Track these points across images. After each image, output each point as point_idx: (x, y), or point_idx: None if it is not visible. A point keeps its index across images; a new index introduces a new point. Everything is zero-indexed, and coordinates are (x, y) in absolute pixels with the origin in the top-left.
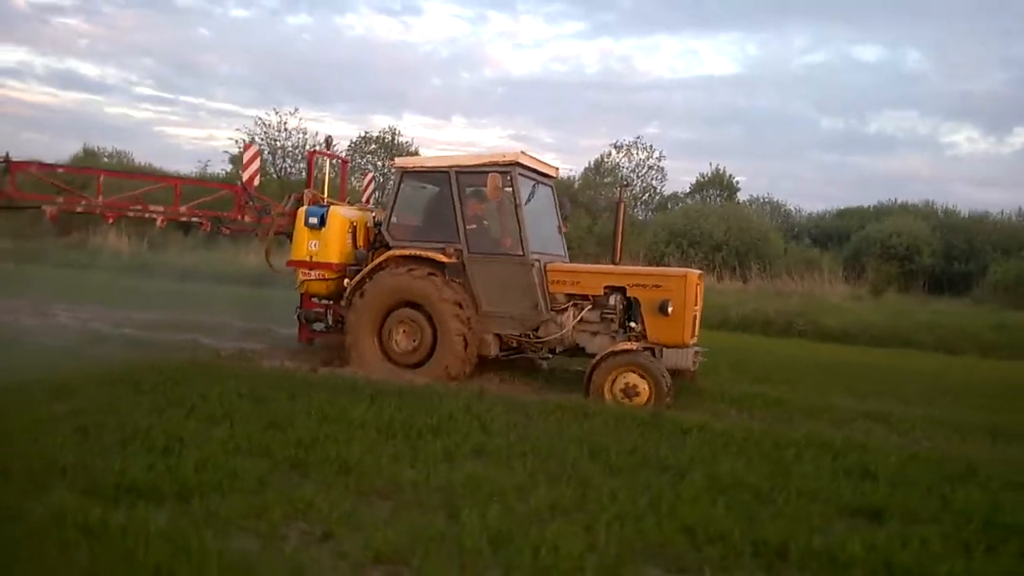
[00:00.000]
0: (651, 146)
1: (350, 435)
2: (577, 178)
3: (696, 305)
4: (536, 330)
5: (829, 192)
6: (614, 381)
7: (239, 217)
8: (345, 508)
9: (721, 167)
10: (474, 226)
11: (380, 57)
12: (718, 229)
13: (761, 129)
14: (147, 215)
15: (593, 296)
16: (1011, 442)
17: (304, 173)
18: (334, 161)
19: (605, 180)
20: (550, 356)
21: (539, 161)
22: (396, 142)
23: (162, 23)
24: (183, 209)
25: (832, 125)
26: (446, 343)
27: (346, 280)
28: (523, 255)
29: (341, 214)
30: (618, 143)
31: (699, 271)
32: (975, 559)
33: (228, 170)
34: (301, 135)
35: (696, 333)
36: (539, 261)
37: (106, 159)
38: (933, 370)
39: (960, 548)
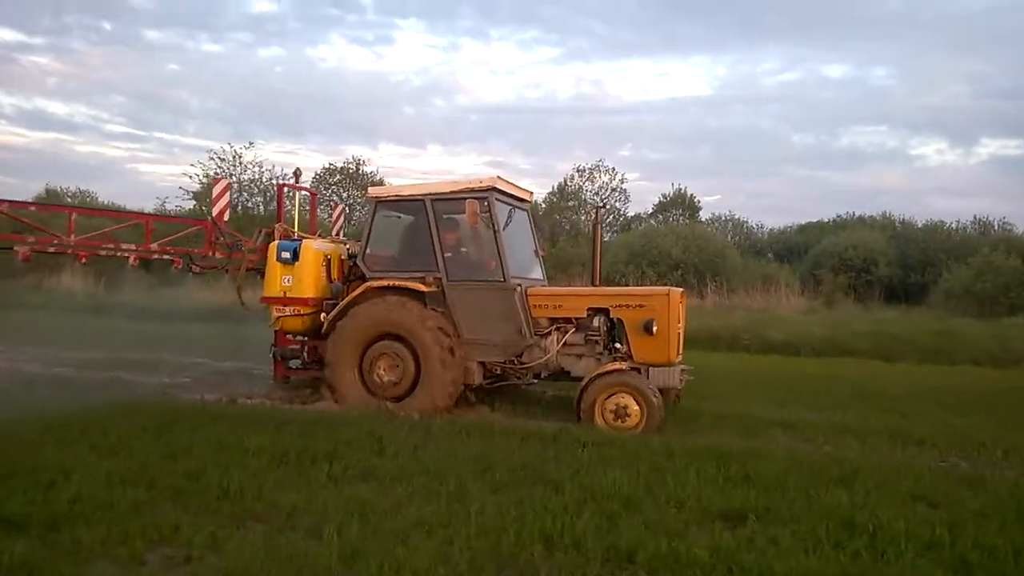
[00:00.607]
0: (613, 169)
1: (242, 462)
2: (541, 203)
3: (679, 323)
4: (520, 356)
5: (803, 207)
6: (604, 403)
7: (210, 253)
8: (210, 532)
9: (683, 187)
10: (452, 253)
11: (353, 88)
12: (676, 248)
13: (733, 148)
14: (119, 254)
15: (576, 319)
16: (907, 445)
17: (264, 207)
18: (303, 194)
19: (568, 203)
20: (535, 382)
21: (514, 185)
22: (360, 172)
23: (132, 59)
24: (154, 246)
25: (803, 141)
26: (430, 374)
27: (323, 315)
28: (504, 281)
29: (314, 247)
30: (580, 167)
31: (681, 289)
32: (818, 556)
33: (191, 206)
34: (258, 168)
35: (680, 351)
36: (520, 286)
37: (69, 199)
38: (861, 378)
39: (807, 546)
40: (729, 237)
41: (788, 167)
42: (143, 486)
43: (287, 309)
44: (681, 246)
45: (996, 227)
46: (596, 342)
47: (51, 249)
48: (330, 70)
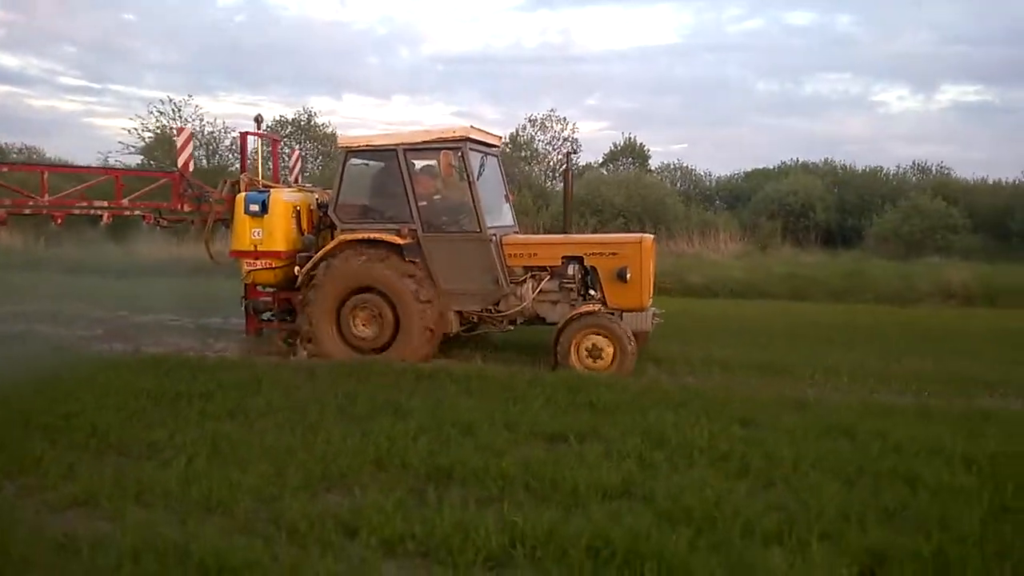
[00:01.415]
0: (564, 119)
1: (120, 404)
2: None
3: (651, 269)
4: (497, 304)
5: (769, 155)
6: (579, 344)
7: (178, 207)
8: (68, 464)
9: (632, 136)
10: (425, 204)
11: (316, 38)
12: (619, 196)
13: (699, 96)
14: (92, 211)
15: (551, 267)
16: (768, 375)
17: (207, 160)
18: (264, 141)
19: (521, 155)
20: (511, 328)
21: (485, 132)
22: (312, 123)
23: (86, 7)
24: (126, 202)
25: (768, 88)
26: (409, 325)
27: (296, 268)
28: (480, 231)
29: (283, 198)
30: (532, 117)
31: (652, 235)
32: (613, 466)
33: (139, 161)
34: (199, 121)
35: (651, 296)
36: (496, 236)
37: (15, 155)
38: (757, 316)
39: (611, 460)
40: (678, 185)
41: (753, 115)
42: (18, 426)
43: (258, 263)
44: (624, 194)
45: (934, 171)
46: (571, 289)
47: (27, 211)
48: (292, 19)
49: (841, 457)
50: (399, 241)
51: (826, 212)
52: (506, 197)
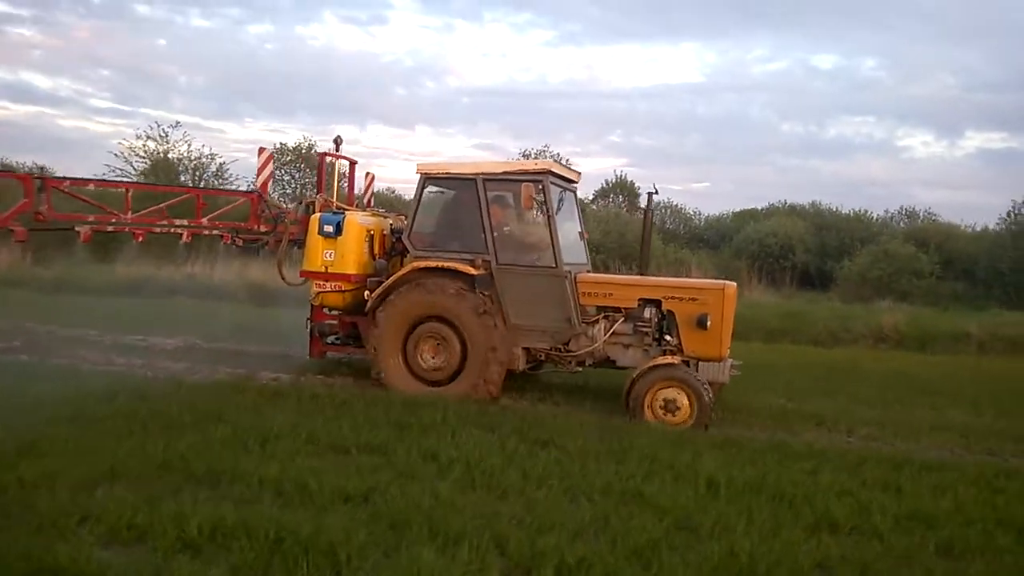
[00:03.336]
0: (558, 154)
1: None
2: None
3: (732, 317)
4: (567, 343)
5: (791, 196)
6: (654, 396)
7: (255, 227)
8: None
9: (623, 174)
10: (500, 235)
11: (343, 67)
12: (596, 232)
13: (722, 135)
14: (172, 230)
15: (626, 308)
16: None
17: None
18: (341, 163)
19: None
20: (579, 369)
21: (566, 168)
22: (313, 151)
23: (120, 33)
24: (205, 221)
25: (792, 130)
26: (477, 359)
27: (366, 292)
28: (556, 267)
29: (358, 221)
30: (526, 151)
31: (735, 283)
32: (365, 477)
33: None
34: (187, 146)
35: (729, 345)
36: (571, 272)
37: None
38: None
39: (371, 469)
40: (667, 224)
41: (776, 156)
42: None
43: (328, 284)
44: (601, 230)
45: (921, 216)
46: (645, 333)
47: (110, 228)
48: (321, 48)
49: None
50: (472, 271)
51: (806, 254)
52: (580, 234)
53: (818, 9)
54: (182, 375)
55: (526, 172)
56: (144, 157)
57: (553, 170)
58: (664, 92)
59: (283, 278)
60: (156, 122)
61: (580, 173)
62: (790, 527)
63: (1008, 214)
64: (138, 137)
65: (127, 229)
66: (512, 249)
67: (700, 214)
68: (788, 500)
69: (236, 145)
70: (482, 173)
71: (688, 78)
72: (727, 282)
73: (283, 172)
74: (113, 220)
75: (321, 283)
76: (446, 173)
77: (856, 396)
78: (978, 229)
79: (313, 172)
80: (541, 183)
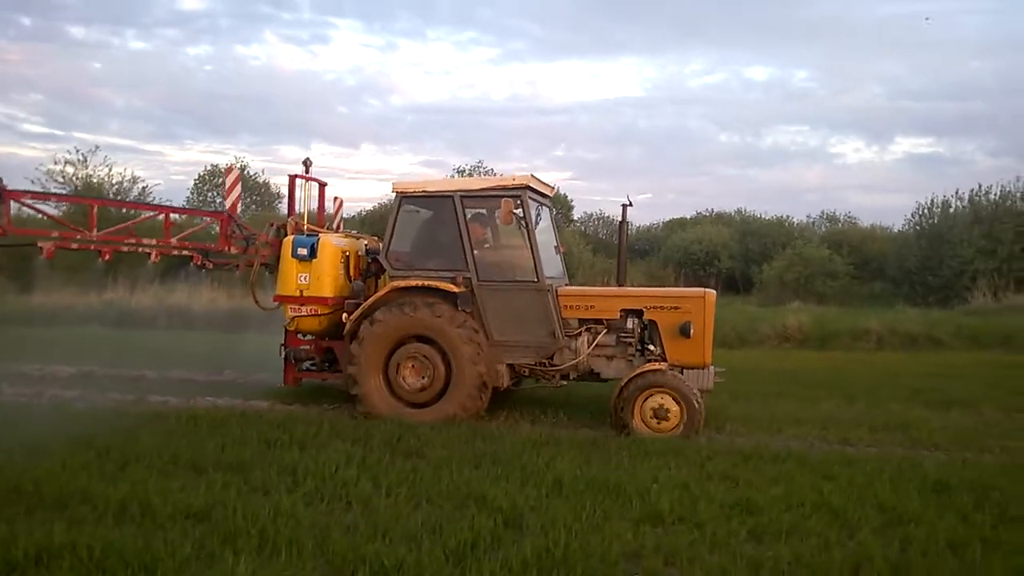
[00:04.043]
0: (492, 170)
1: None
2: None
3: (712, 324)
4: (551, 358)
5: (731, 204)
6: (643, 404)
7: (225, 248)
8: None
9: (556, 187)
10: (480, 252)
11: (285, 86)
12: None
13: (663, 147)
14: (140, 249)
15: (608, 320)
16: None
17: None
18: (309, 184)
19: None
20: (563, 383)
21: (541, 182)
22: (246, 175)
23: (53, 56)
24: (174, 241)
25: (730, 140)
26: (462, 378)
27: (344, 315)
28: (538, 281)
29: (333, 243)
30: (461, 168)
31: (713, 291)
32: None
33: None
34: (106, 171)
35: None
36: (553, 287)
37: None
38: None
39: (223, 486)
40: (599, 235)
41: (715, 165)
42: None
43: (303, 309)
44: None
45: (841, 221)
46: (629, 344)
47: (74, 245)
48: (262, 68)
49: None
50: (454, 289)
51: (731, 260)
52: (557, 248)
53: (751, 24)
54: (67, 402)
55: (505, 188)
56: (63, 183)
57: (531, 185)
58: (606, 106)
59: (256, 302)
60: (75, 147)
61: (554, 187)
62: (617, 520)
63: (912, 215)
64: (56, 163)
65: (93, 247)
66: (492, 265)
67: (631, 225)
68: (625, 495)
69: (176, 168)
70: (460, 190)
71: (629, 92)
72: (707, 290)
73: (215, 194)
74: (78, 236)
75: (296, 307)
76: (423, 191)
77: (736, 393)
78: (895, 230)
79: (249, 194)
80: (520, 198)
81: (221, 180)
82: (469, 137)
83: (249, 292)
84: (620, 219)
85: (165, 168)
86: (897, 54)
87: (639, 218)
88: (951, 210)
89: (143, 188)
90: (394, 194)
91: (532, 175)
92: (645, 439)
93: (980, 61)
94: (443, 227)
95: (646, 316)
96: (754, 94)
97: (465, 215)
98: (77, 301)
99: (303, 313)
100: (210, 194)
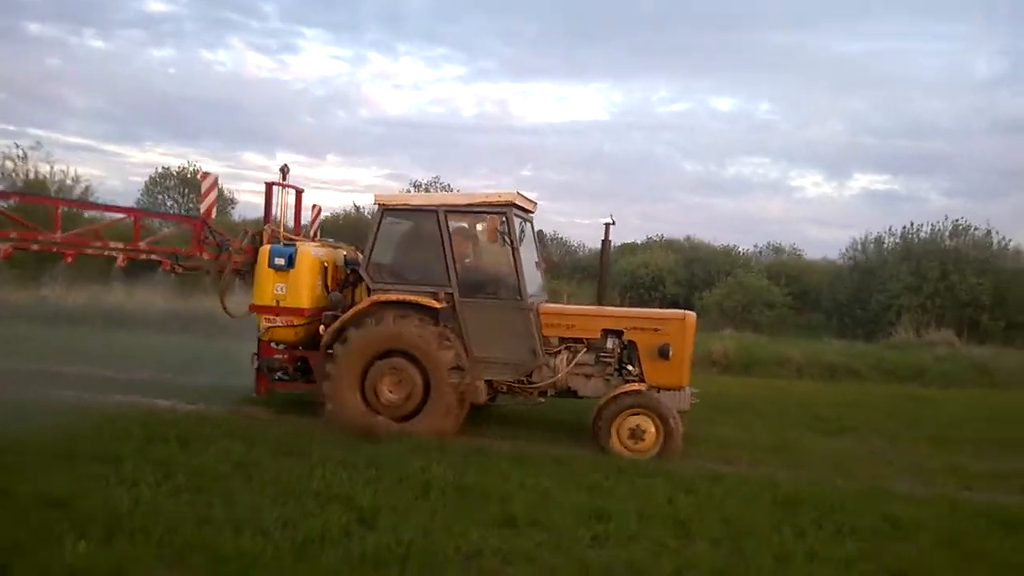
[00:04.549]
0: (449, 185)
1: None
2: (368, 213)
3: (691, 347)
4: (529, 375)
5: (692, 232)
6: (621, 424)
7: (198, 253)
8: None
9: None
10: (462, 268)
11: (251, 94)
12: None
13: (629, 172)
14: (106, 253)
15: (587, 339)
16: None
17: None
18: (287, 191)
19: None
20: (541, 401)
21: (525, 198)
22: (197, 179)
23: (9, 54)
24: (143, 245)
25: (693, 169)
26: (440, 394)
27: (322, 327)
28: (520, 299)
29: (311, 253)
30: (416, 182)
31: (693, 313)
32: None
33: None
34: (49, 168)
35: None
36: (535, 305)
37: None
38: None
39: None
40: (553, 256)
41: (679, 193)
42: None
43: (279, 319)
44: None
45: (787, 251)
46: (607, 363)
47: (34, 246)
48: (227, 74)
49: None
50: (436, 305)
51: (677, 285)
52: (538, 264)
53: (718, 54)
54: None
55: (490, 204)
56: (1, 178)
57: (516, 202)
58: (573, 129)
59: (225, 310)
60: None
61: (536, 203)
62: (470, 522)
63: (847, 248)
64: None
65: (55, 249)
66: (475, 282)
67: (584, 247)
68: (486, 499)
69: (136, 169)
70: (444, 205)
71: (596, 116)
72: (687, 312)
73: (166, 196)
74: (39, 238)
75: (271, 317)
76: (406, 205)
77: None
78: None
79: (198, 197)
80: (505, 215)
81: (200, 181)
82: (437, 153)
83: (218, 298)
84: (603, 238)
85: (124, 169)
86: (858, 91)
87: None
88: (884, 245)
89: (85, 188)
90: (376, 206)
91: (518, 192)
92: (530, 451)
93: (938, 102)
94: (426, 241)
95: (626, 336)
96: (718, 124)
97: (449, 230)
98: (8, 297)
99: (278, 323)
100: (160, 196)
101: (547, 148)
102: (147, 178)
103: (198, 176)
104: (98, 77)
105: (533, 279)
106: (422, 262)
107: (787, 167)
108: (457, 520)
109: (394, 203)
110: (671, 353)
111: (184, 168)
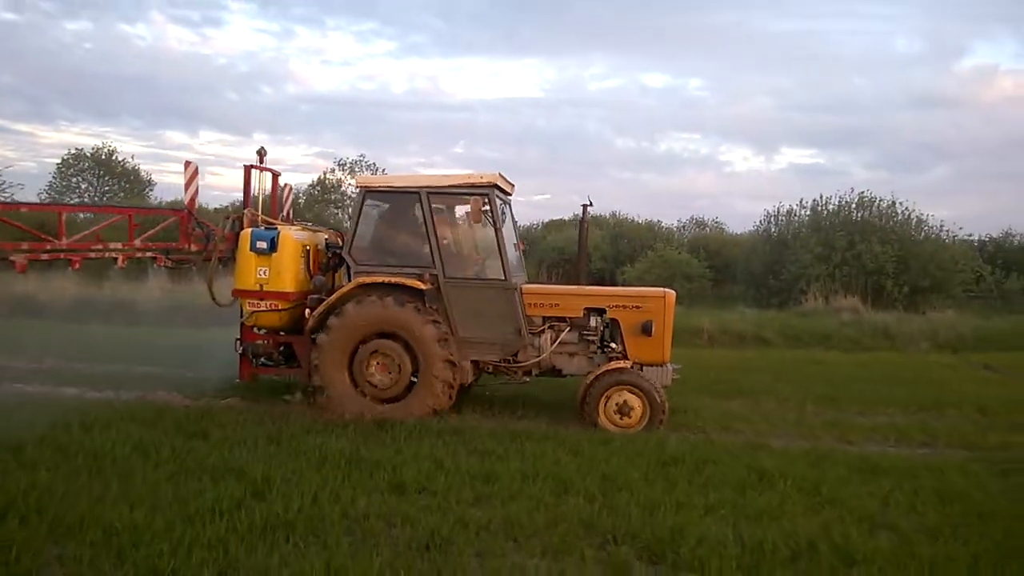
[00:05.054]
0: (374, 164)
1: None
2: (300, 195)
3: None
4: (515, 355)
5: (626, 209)
6: (608, 400)
7: (186, 246)
8: None
9: None
10: (446, 249)
11: (172, 70)
12: None
13: (562, 148)
14: (107, 254)
15: (571, 317)
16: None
17: None
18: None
19: (330, 197)
20: (526, 380)
21: (505, 180)
22: (113, 160)
23: None
24: (138, 243)
25: (625, 145)
26: (430, 374)
27: (307, 311)
28: (505, 279)
29: (294, 237)
30: (342, 161)
31: (673, 291)
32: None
33: None
34: None
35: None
36: (518, 285)
37: None
38: None
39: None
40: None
41: (612, 169)
42: None
43: (262, 303)
44: None
45: (710, 225)
46: (591, 341)
47: (44, 256)
48: (147, 49)
49: None
50: (422, 286)
51: (602, 261)
52: (516, 245)
53: (650, 31)
54: None
55: (472, 185)
56: None
57: (498, 183)
58: (506, 105)
59: (213, 298)
60: None
61: (514, 185)
62: (361, 490)
63: (761, 221)
64: None
65: (63, 256)
66: (459, 263)
67: (519, 225)
68: (379, 469)
69: (50, 150)
70: (426, 187)
71: (529, 92)
72: (667, 290)
73: (80, 179)
74: (48, 247)
75: (255, 302)
76: (388, 187)
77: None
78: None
79: (114, 180)
80: (488, 196)
81: (185, 176)
82: (367, 130)
83: (206, 288)
84: (580, 219)
85: (37, 150)
86: (786, 69)
87: (530, 216)
88: (795, 218)
89: None
90: (358, 188)
91: (499, 173)
92: (429, 423)
93: (861, 78)
94: (408, 223)
95: (608, 315)
96: (650, 100)
97: (432, 211)
98: None
99: (262, 308)
100: (75, 180)
101: (480, 125)
102: (59, 160)
103: (184, 167)
104: (6, 51)
105: (514, 260)
106: (405, 244)
107: (717, 142)
108: (347, 489)
109: (376, 185)
110: (653, 330)
111: (99, 149)
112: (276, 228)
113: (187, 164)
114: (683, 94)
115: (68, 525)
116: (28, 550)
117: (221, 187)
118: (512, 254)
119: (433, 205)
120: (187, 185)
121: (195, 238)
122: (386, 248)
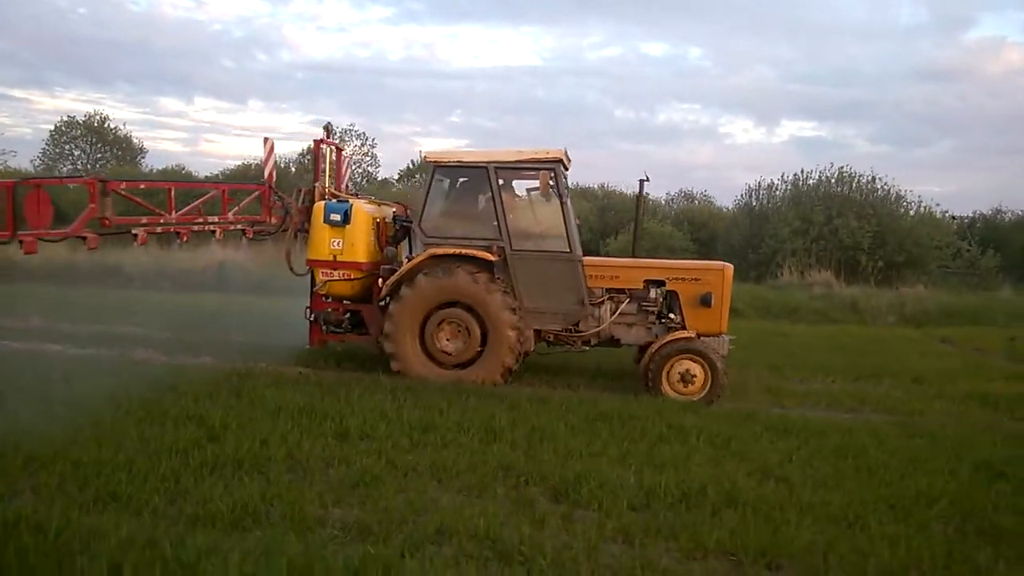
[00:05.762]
0: (364, 134)
1: None
2: (291, 165)
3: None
4: (576, 324)
5: (625, 179)
6: (671, 369)
7: (268, 219)
8: None
9: (424, 155)
10: (512, 222)
11: (167, 36)
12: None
13: (560, 118)
14: (207, 227)
15: (630, 289)
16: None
17: None
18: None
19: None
20: (585, 348)
21: (567, 156)
22: (105, 128)
23: None
24: (231, 216)
25: (625, 115)
26: (499, 342)
27: (380, 281)
28: (571, 252)
29: (365, 210)
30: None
31: (731, 264)
32: None
33: None
34: None
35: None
36: (581, 257)
37: None
38: None
39: None
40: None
41: (611, 139)
42: None
43: (336, 273)
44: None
45: (698, 199)
46: (649, 312)
47: (159, 229)
48: (142, 14)
49: None
50: (490, 258)
51: (589, 232)
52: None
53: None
54: None
55: (539, 160)
56: None
57: (563, 159)
58: (504, 74)
59: (291, 268)
60: None
61: (571, 160)
62: (308, 436)
63: (742, 195)
64: None
65: (173, 229)
66: (525, 235)
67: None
68: (327, 419)
69: (46, 116)
70: (494, 161)
71: (527, 61)
72: (725, 264)
73: (73, 147)
74: (161, 221)
75: (328, 272)
76: (457, 162)
77: None
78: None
79: (106, 147)
80: (555, 171)
81: (264, 151)
82: (362, 97)
83: (284, 259)
84: (637, 194)
85: (32, 116)
86: (788, 38)
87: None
88: (776, 192)
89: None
90: (428, 163)
91: (564, 149)
92: (371, 377)
93: (863, 49)
94: (476, 197)
95: (668, 287)
96: (650, 69)
97: (499, 185)
98: None
99: (335, 277)
100: (68, 147)
101: (477, 93)
102: (52, 127)
103: (264, 144)
104: (1, 17)
105: (576, 233)
106: (474, 217)
107: (717, 113)
108: (295, 434)
109: (445, 160)
110: (713, 301)
111: (91, 116)
112: (347, 201)
113: (266, 140)
114: (683, 63)
115: (42, 460)
116: (3, 480)
117: (216, 154)
118: (574, 227)
119: (504, 180)
120: (266, 160)
121: (275, 211)
122: (455, 221)
